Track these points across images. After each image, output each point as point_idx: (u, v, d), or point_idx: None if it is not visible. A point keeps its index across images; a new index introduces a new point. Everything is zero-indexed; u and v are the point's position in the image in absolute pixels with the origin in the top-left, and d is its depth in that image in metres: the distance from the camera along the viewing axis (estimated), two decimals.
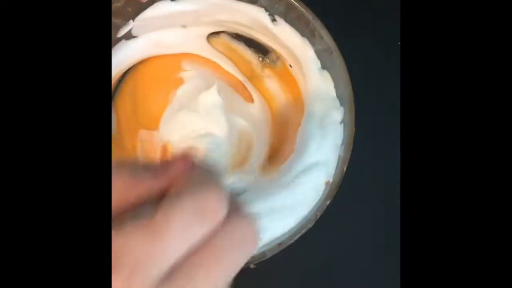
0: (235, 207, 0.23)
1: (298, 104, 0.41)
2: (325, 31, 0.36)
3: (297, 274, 0.42)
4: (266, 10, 0.38)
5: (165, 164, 0.24)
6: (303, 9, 0.36)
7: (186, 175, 0.23)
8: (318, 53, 0.37)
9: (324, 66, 0.38)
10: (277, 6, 0.37)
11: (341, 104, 0.36)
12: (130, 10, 0.38)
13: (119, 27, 0.39)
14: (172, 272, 0.20)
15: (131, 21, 0.39)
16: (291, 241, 0.34)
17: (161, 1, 0.38)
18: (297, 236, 0.34)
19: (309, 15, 0.36)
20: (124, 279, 0.19)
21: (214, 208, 0.21)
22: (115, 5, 0.37)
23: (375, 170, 0.44)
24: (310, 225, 0.34)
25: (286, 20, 0.38)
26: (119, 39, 0.39)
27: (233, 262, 0.21)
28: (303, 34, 0.38)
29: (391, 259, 0.38)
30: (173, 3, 0.38)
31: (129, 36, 0.40)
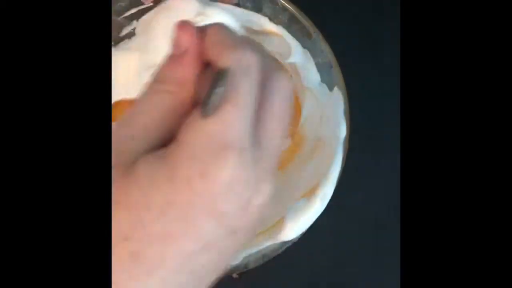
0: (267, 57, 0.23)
1: (295, 115, 0.41)
2: (326, 45, 0.36)
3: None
4: (270, 19, 0.38)
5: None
6: (305, 22, 0.36)
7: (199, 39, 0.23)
8: (318, 66, 0.37)
9: (323, 80, 0.37)
10: (280, 16, 0.37)
11: None
12: (135, 10, 0.38)
13: (122, 26, 0.39)
14: (255, 134, 0.21)
15: (135, 21, 0.39)
16: (275, 254, 0.34)
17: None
18: (283, 249, 0.34)
19: (311, 28, 0.36)
20: (236, 157, 0.20)
21: (253, 58, 0.22)
22: (119, 4, 0.37)
23: (373, 183, 0.43)
24: (296, 239, 0.34)
25: (289, 31, 0.38)
26: (122, 38, 0.40)
27: (287, 115, 0.23)
28: (304, 45, 0.37)
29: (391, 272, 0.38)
30: None
31: (131, 35, 0.40)
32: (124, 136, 0.22)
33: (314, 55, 0.37)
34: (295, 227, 0.33)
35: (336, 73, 0.36)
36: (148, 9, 0.38)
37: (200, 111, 0.20)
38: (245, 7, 0.38)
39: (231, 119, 0.20)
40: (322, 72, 0.37)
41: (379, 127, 0.42)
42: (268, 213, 0.23)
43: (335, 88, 0.36)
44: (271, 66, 0.23)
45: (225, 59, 0.21)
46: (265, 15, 0.38)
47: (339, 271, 0.43)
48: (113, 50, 0.39)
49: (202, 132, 0.20)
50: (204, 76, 0.22)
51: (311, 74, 0.38)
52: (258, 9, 0.38)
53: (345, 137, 0.35)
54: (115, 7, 0.37)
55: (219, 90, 0.20)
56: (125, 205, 0.20)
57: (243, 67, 0.21)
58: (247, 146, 0.21)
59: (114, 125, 0.22)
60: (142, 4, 0.38)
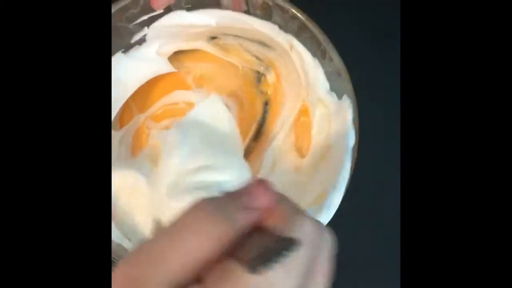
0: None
1: (307, 128, 0.41)
2: (335, 54, 0.36)
3: None
4: (280, 27, 0.38)
5: (249, 192, 0.23)
6: (315, 30, 0.36)
7: (274, 204, 0.23)
8: (327, 75, 0.37)
9: (332, 89, 0.38)
10: (290, 24, 0.37)
11: None
12: (146, 17, 0.38)
13: (133, 33, 0.39)
14: None
15: (146, 28, 0.39)
16: None
17: (176, 11, 0.39)
18: None
19: (321, 36, 0.36)
20: None
21: (317, 236, 0.22)
22: (130, 11, 0.37)
23: (374, 190, 0.43)
24: None
25: (299, 39, 0.38)
26: (133, 45, 0.40)
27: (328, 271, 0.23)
28: (314, 54, 0.37)
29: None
30: (188, 13, 0.39)
31: (142, 41, 0.40)
32: (147, 265, 0.21)
33: (323, 63, 0.37)
34: None
35: (345, 81, 0.36)
36: (159, 16, 0.39)
37: (243, 264, 0.20)
38: (255, 15, 0.38)
39: (279, 283, 0.20)
40: (331, 81, 0.37)
41: (383, 135, 0.42)
42: None
43: (344, 96, 0.36)
44: (320, 232, 0.23)
45: (295, 229, 0.22)
46: (275, 23, 0.38)
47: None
48: (123, 57, 0.40)
49: (241, 285, 0.20)
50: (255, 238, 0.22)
51: (320, 83, 0.38)
52: (268, 17, 0.38)
53: (354, 146, 0.35)
54: (126, 14, 0.37)
55: (282, 258, 0.20)
56: None
57: (308, 240, 0.22)
58: None
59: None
60: (154, 11, 0.38)
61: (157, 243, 0.21)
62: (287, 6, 0.36)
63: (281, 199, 0.23)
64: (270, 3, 0.37)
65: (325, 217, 0.34)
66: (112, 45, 0.38)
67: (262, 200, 0.23)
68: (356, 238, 0.43)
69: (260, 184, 0.23)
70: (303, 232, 0.22)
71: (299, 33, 0.37)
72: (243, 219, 0.22)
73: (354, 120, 0.36)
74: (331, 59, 0.36)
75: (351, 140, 0.35)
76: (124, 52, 0.40)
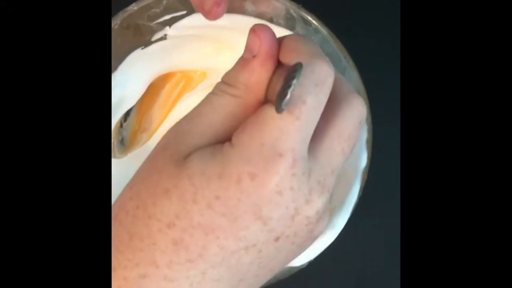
0: (338, 80, 0.23)
1: None
2: (355, 72, 0.35)
3: None
4: None
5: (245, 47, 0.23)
6: (336, 46, 0.35)
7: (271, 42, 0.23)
8: None
9: None
10: (313, 37, 0.37)
11: None
12: (168, 17, 0.38)
13: (154, 32, 0.39)
14: (311, 150, 0.22)
15: (167, 27, 0.39)
16: (281, 278, 0.33)
17: (199, 13, 0.38)
18: (289, 274, 0.34)
19: (341, 53, 0.35)
20: (287, 166, 0.20)
21: (329, 73, 0.22)
22: (153, 10, 0.37)
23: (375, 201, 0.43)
24: (303, 266, 0.34)
25: None
26: (153, 42, 0.40)
27: (356, 139, 0.23)
28: None
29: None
30: None
31: (162, 40, 0.40)
32: (183, 129, 0.23)
33: None
34: (303, 254, 0.33)
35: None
36: (181, 16, 0.38)
37: (267, 109, 0.21)
38: (278, 24, 0.38)
39: (289, 130, 0.21)
40: None
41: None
42: (320, 231, 0.23)
43: None
44: (347, 88, 0.23)
45: (303, 60, 0.21)
46: (297, 34, 0.37)
47: None
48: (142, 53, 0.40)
49: (257, 138, 0.21)
50: (274, 79, 0.22)
51: None
52: (291, 27, 0.37)
53: (365, 168, 0.35)
54: (149, 13, 0.37)
55: (293, 83, 0.20)
56: (174, 194, 0.21)
57: (316, 79, 0.21)
58: (301, 158, 0.21)
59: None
60: (176, 11, 0.38)
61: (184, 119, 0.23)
62: (311, 18, 0.36)
63: (291, 38, 0.23)
64: (294, 14, 0.36)
65: (329, 237, 0.33)
66: (131, 42, 0.38)
67: (254, 43, 0.22)
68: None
69: (252, 29, 0.23)
70: (307, 68, 0.21)
71: (321, 46, 0.37)
72: (247, 79, 0.22)
73: (367, 141, 0.35)
74: (350, 77, 0.36)
75: (363, 162, 0.35)
76: (143, 49, 0.40)
